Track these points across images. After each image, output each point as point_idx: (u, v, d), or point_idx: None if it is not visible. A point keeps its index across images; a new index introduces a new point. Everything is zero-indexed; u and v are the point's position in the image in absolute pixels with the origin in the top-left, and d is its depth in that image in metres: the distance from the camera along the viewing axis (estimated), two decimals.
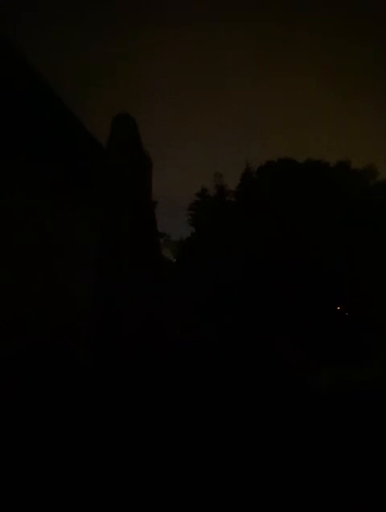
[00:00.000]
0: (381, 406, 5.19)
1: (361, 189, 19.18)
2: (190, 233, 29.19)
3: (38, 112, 3.63)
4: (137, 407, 4.57)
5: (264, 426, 4.34)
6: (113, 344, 6.04)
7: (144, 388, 5.37)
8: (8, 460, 3.02)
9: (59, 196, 4.38)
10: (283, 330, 10.61)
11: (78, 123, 4.02)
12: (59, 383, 4.15)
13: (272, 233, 15.74)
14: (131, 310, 7.54)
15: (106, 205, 5.66)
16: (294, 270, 14.64)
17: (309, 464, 3.47)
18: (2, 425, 3.29)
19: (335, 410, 5.07)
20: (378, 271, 13.63)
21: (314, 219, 15.81)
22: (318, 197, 16.67)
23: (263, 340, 10.14)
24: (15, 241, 3.67)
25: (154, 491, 2.87)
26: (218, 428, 4.15)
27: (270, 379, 6.56)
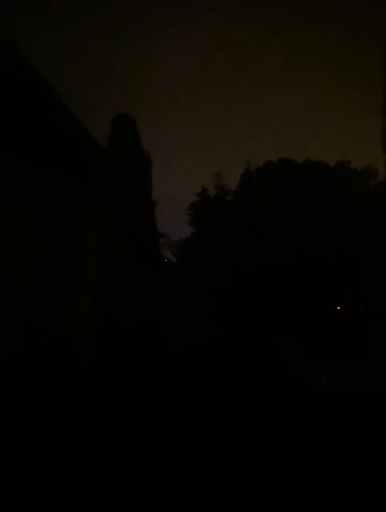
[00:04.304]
0: (381, 407, 5.19)
1: (361, 189, 19.20)
2: (190, 233, 29.19)
3: (38, 112, 3.63)
4: (136, 406, 4.57)
5: (264, 425, 4.34)
6: (113, 343, 6.05)
7: (143, 387, 5.37)
8: (8, 459, 3.02)
9: (59, 196, 4.38)
10: (283, 329, 10.61)
11: (78, 123, 4.02)
12: (59, 383, 4.15)
13: (272, 232, 15.75)
14: (130, 309, 7.55)
15: (106, 205, 5.67)
16: (294, 270, 14.64)
17: (309, 464, 3.47)
18: (1, 425, 3.29)
19: (335, 410, 5.07)
20: (378, 271, 13.63)
21: (314, 219, 15.82)
22: (317, 197, 16.68)
23: (263, 339, 10.14)
24: (16, 240, 3.67)
25: (154, 490, 2.87)
26: (217, 427, 4.14)
27: (270, 378, 6.56)
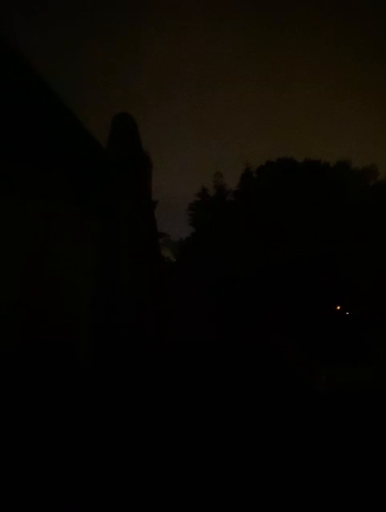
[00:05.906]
0: (381, 406, 5.19)
1: (361, 189, 19.19)
2: (190, 233, 29.15)
3: (38, 112, 3.64)
4: (136, 406, 4.57)
5: (265, 425, 4.34)
6: (113, 343, 6.05)
7: (143, 387, 5.37)
8: (8, 459, 3.03)
9: (59, 197, 4.39)
10: (284, 329, 10.61)
11: (78, 123, 4.03)
12: (60, 382, 4.16)
13: (272, 232, 15.75)
14: (130, 309, 7.55)
15: (106, 205, 5.67)
16: (295, 270, 14.65)
17: (309, 463, 3.48)
18: (1, 424, 3.30)
19: (336, 410, 5.08)
20: (378, 271, 13.64)
21: (314, 219, 15.82)
22: (317, 197, 16.69)
23: (263, 339, 10.15)
24: (17, 241, 3.68)
25: (154, 489, 2.87)
26: (218, 427, 4.15)
27: (271, 378, 6.57)
